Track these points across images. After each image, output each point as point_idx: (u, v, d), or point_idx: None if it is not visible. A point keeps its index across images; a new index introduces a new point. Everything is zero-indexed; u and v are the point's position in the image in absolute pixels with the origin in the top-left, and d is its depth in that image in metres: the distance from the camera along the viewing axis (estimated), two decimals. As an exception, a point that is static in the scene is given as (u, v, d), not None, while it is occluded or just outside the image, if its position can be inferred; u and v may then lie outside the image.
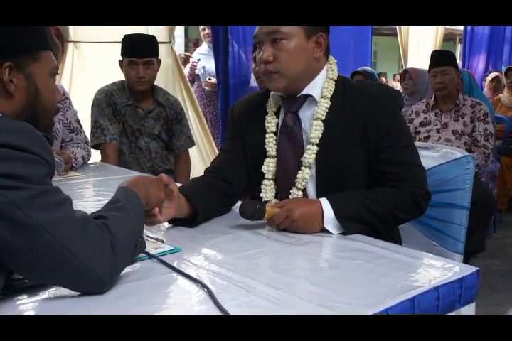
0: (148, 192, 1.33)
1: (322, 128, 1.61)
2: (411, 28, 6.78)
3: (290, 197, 1.64)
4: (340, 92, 1.64)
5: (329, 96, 1.63)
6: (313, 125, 1.61)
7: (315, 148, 1.61)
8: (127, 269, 1.19)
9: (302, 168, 1.63)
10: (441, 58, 3.60)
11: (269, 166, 1.68)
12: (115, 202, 1.23)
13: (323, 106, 1.62)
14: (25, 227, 0.97)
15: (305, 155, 1.62)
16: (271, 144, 1.68)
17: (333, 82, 1.65)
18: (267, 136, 1.69)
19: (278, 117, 1.71)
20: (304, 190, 1.65)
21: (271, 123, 1.70)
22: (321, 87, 1.64)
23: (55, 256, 1.00)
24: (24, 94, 1.17)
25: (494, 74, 6.15)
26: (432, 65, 3.61)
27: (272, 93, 1.71)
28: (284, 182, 1.68)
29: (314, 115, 1.62)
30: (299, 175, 1.63)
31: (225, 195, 1.70)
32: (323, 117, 1.61)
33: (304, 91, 1.64)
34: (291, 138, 1.67)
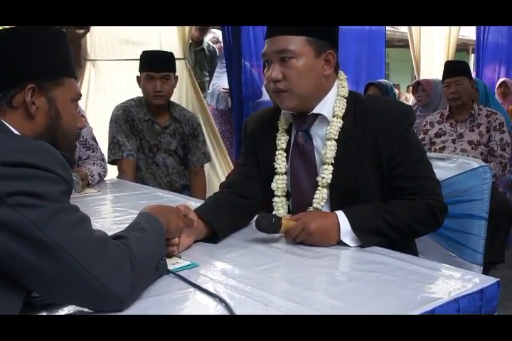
0: (168, 220, 1.34)
1: (336, 147, 1.61)
2: (423, 38, 6.76)
3: None
4: (351, 110, 1.63)
5: (341, 115, 1.62)
6: (327, 145, 1.61)
7: (331, 168, 1.61)
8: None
9: (319, 188, 1.62)
10: (454, 68, 3.60)
11: (278, 183, 1.69)
12: (135, 225, 1.25)
13: (336, 126, 1.61)
14: (43, 246, 0.98)
15: (322, 175, 1.61)
16: (279, 161, 1.69)
17: (345, 100, 1.65)
18: (276, 153, 1.70)
19: (289, 134, 1.72)
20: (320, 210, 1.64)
21: (281, 140, 1.70)
22: (331, 104, 1.64)
23: (73, 275, 1.00)
24: (45, 117, 1.19)
25: (501, 79, 6.14)
26: (445, 75, 3.60)
27: (283, 111, 1.71)
28: (299, 201, 1.68)
29: (327, 135, 1.62)
30: (316, 195, 1.62)
31: (241, 211, 1.70)
32: (336, 137, 1.61)
33: (315, 110, 1.64)
34: (303, 156, 1.67)
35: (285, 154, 1.70)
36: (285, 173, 1.69)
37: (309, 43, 1.57)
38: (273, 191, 1.69)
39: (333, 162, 1.61)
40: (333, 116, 1.63)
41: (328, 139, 1.61)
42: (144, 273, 1.14)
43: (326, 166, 1.61)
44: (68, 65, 1.26)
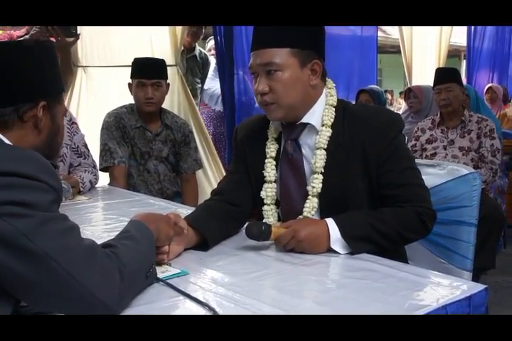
0: (158, 228, 1.35)
1: (325, 157, 1.62)
2: (414, 44, 6.79)
3: None
4: (340, 119, 1.64)
5: (330, 124, 1.63)
6: (316, 154, 1.62)
7: (321, 177, 1.61)
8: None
9: (309, 197, 1.62)
10: (445, 75, 3.62)
11: (267, 191, 1.69)
12: (125, 233, 1.25)
13: (325, 135, 1.62)
14: (32, 256, 0.98)
15: (312, 184, 1.62)
16: (269, 170, 1.69)
17: (333, 109, 1.65)
18: (266, 161, 1.70)
19: (279, 143, 1.72)
20: None
21: (270, 148, 1.71)
22: (320, 114, 1.65)
23: (62, 284, 1.00)
24: (48, 132, 1.24)
25: (488, 85, 6.21)
26: (436, 82, 3.62)
27: None
28: (289, 210, 1.69)
29: (317, 144, 1.63)
30: (307, 205, 1.62)
31: (232, 219, 1.71)
32: (326, 146, 1.62)
33: (304, 120, 1.65)
34: (292, 165, 1.68)
35: (274, 162, 1.70)
36: (274, 181, 1.70)
37: (294, 55, 1.57)
38: (263, 199, 1.70)
39: (323, 171, 1.61)
40: (322, 125, 1.63)
41: (318, 148, 1.62)
42: (133, 281, 1.14)
43: (316, 175, 1.62)
44: (62, 80, 1.31)
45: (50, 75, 1.24)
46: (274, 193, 1.69)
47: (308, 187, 1.63)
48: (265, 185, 1.69)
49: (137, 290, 1.19)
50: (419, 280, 1.27)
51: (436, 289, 1.23)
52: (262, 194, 1.69)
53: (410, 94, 4.66)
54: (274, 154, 1.70)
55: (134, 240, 1.21)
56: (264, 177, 1.69)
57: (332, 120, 1.63)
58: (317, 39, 1.65)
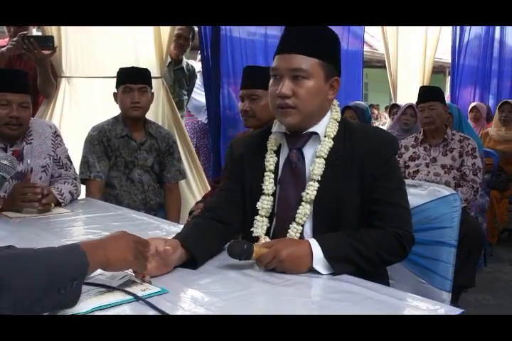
0: (106, 253, 1.27)
1: (324, 166, 1.65)
2: (399, 59, 6.86)
3: (289, 231, 1.65)
4: (341, 133, 1.69)
5: (332, 136, 1.68)
6: (316, 162, 1.65)
7: (316, 185, 1.64)
8: (115, 311, 1.20)
9: (303, 203, 1.65)
10: (428, 94, 3.67)
11: (263, 203, 1.70)
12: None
13: (327, 146, 1.66)
14: None
15: (306, 191, 1.64)
16: (267, 183, 1.71)
17: (337, 123, 1.71)
18: (265, 174, 1.72)
19: (278, 156, 1.74)
20: (303, 226, 1.66)
21: (269, 161, 1.73)
22: (325, 126, 1.70)
23: None
24: None
25: (472, 104, 6.30)
26: (419, 100, 3.67)
27: (274, 130, 1.75)
28: (283, 217, 1.69)
29: (317, 153, 1.66)
30: (299, 211, 1.64)
31: (220, 237, 1.71)
32: (326, 156, 1.65)
33: (311, 129, 1.69)
34: (294, 173, 1.70)
35: (273, 176, 1.72)
36: (272, 195, 1.71)
37: (321, 67, 1.63)
38: (257, 210, 1.71)
39: (320, 179, 1.64)
40: (325, 136, 1.68)
41: (318, 157, 1.65)
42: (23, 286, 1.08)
43: (311, 182, 1.64)
44: None
45: None
46: (269, 206, 1.70)
47: (303, 193, 1.65)
48: (262, 197, 1.71)
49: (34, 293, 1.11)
50: (397, 303, 1.28)
51: (414, 313, 1.24)
52: (258, 205, 1.70)
53: (408, 111, 4.72)
54: (272, 167, 1.72)
55: (35, 252, 1.18)
56: (262, 190, 1.71)
57: (335, 133, 1.69)
58: (339, 57, 1.72)
